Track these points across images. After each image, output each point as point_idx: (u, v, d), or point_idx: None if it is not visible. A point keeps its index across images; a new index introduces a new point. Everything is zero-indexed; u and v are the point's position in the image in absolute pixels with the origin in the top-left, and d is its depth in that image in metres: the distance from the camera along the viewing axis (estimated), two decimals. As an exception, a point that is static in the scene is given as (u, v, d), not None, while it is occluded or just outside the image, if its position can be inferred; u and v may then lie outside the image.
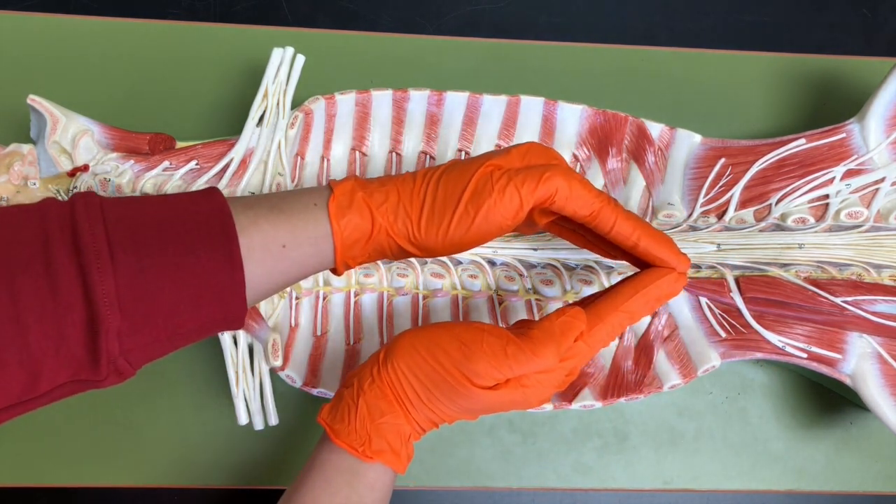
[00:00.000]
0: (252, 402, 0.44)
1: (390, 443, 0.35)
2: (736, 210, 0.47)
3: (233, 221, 0.33)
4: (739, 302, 0.46)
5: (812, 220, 0.46)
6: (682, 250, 0.47)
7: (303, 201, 0.35)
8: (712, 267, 0.47)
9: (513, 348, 0.35)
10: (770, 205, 0.47)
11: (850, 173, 0.46)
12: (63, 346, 0.29)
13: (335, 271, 0.37)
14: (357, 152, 0.49)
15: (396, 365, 0.35)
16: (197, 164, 0.46)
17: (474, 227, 0.35)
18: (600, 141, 0.48)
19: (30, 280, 0.29)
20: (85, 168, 0.46)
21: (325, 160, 0.49)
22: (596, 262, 0.48)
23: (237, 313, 0.33)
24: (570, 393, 0.46)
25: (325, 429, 0.36)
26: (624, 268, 0.47)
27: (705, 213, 0.48)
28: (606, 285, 0.47)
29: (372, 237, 0.36)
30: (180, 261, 0.31)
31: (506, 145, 0.48)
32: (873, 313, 0.44)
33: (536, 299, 0.48)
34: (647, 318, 0.47)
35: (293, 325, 0.47)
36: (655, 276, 0.37)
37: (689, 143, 0.48)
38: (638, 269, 0.39)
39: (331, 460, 0.36)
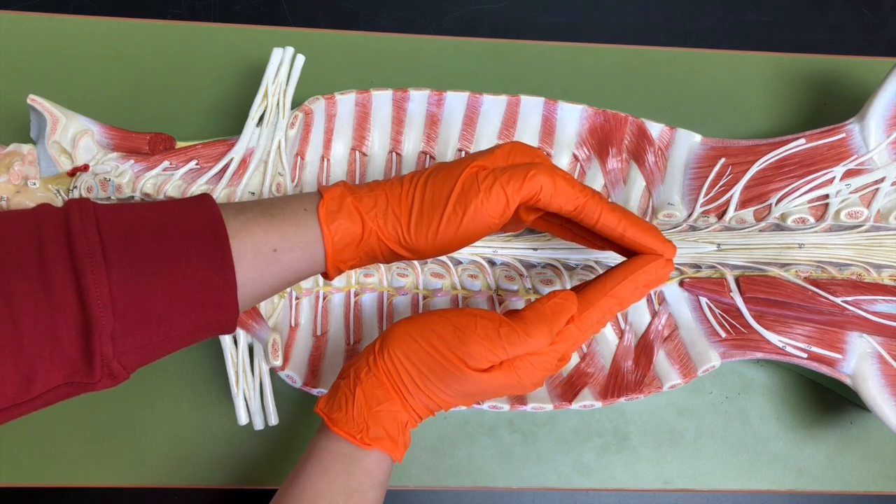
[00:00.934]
0: (252, 402, 0.44)
1: (388, 430, 0.36)
2: (736, 210, 0.47)
3: (224, 226, 0.33)
4: (739, 302, 0.46)
5: (812, 219, 0.46)
6: (682, 250, 0.47)
7: (293, 206, 0.36)
8: (712, 267, 0.47)
9: (506, 330, 0.35)
10: (770, 205, 0.47)
11: (850, 173, 0.46)
12: (57, 348, 0.29)
13: (326, 276, 0.38)
14: (357, 152, 0.49)
15: (392, 353, 0.36)
16: (197, 164, 0.46)
17: (462, 227, 0.36)
18: (600, 141, 0.48)
19: (24, 283, 0.29)
20: (85, 168, 0.46)
21: (325, 160, 0.49)
22: (596, 261, 0.48)
23: (229, 317, 0.33)
24: (570, 393, 0.46)
25: (323, 418, 0.37)
26: (624, 268, 0.48)
27: (705, 213, 0.48)
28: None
29: (362, 241, 0.36)
30: (173, 264, 0.31)
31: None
32: (873, 313, 0.44)
33: (536, 299, 0.48)
34: (648, 318, 0.47)
35: (293, 325, 0.47)
36: (644, 263, 0.38)
37: (689, 143, 0.48)
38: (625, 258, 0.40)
39: (328, 448, 0.36)
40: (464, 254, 0.48)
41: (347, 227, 0.36)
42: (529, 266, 0.48)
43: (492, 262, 0.48)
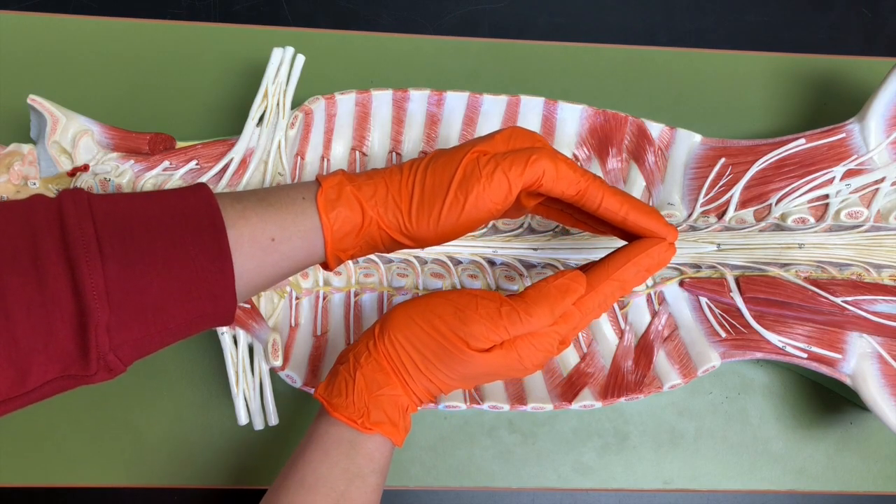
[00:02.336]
0: (252, 402, 0.44)
1: (388, 414, 0.36)
2: (736, 210, 0.47)
3: (221, 215, 0.33)
4: (739, 302, 0.46)
5: (812, 219, 0.46)
6: (682, 250, 0.47)
7: (291, 195, 0.36)
8: (712, 267, 0.47)
9: (507, 309, 0.35)
10: (770, 205, 0.47)
11: (850, 173, 0.46)
12: (52, 341, 0.29)
13: (326, 266, 0.37)
14: (357, 152, 0.49)
15: (393, 336, 0.36)
16: (197, 164, 0.46)
17: (465, 213, 0.35)
18: (600, 141, 0.48)
19: (17, 275, 0.29)
20: (85, 168, 0.46)
21: (325, 160, 0.49)
22: (596, 262, 0.48)
23: (227, 307, 0.33)
24: (570, 393, 0.46)
25: (323, 403, 0.37)
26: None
27: (705, 213, 0.48)
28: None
29: (362, 229, 0.36)
30: (169, 255, 0.31)
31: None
32: (873, 313, 0.44)
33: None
34: (648, 318, 0.47)
35: (293, 325, 0.47)
36: (646, 246, 0.38)
37: (689, 142, 0.48)
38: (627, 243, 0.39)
39: (329, 433, 0.36)
40: (464, 254, 0.48)
41: (347, 216, 0.35)
42: (529, 266, 0.48)
43: (492, 262, 0.48)
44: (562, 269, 0.48)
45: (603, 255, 0.47)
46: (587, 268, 0.39)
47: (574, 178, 0.36)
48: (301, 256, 0.36)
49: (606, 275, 0.37)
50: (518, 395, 0.45)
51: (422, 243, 0.37)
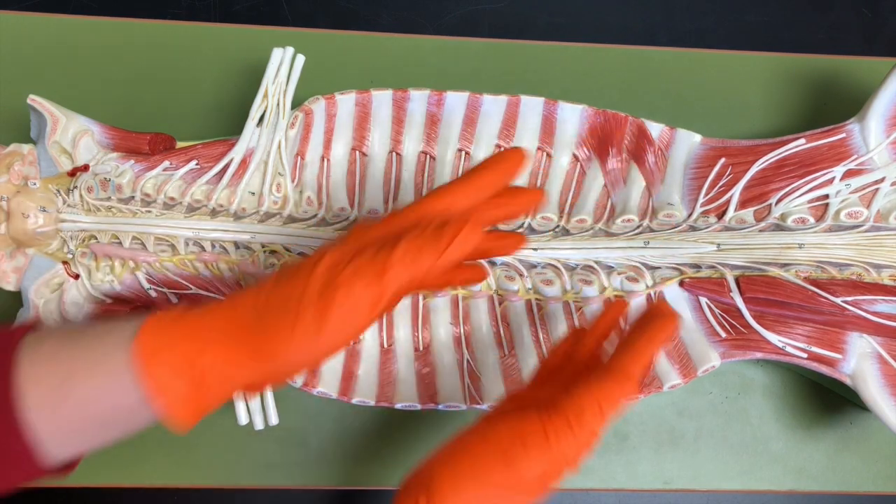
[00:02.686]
0: (252, 401, 0.44)
1: None
2: (736, 210, 0.47)
3: (10, 366, 0.30)
4: (739, 302, 0.46)
5: (812, 220, 0.46)
6: (682, 250, 0.47)
7: (103, 336, 0.31)
8: (712, 267, 0.47)
9: (554, 435, 0.32)
10: (770, 205, 0.47)
11: (850, 173, 0.46)
12: None
13: (175, 424, 0.31)
14: (357, 152, 0.49)
15: None
16: (197, 164, 0.46)
17: (332, 332, 0.30)
18: (600, 141, 0.48)
19: None
20: (85, 168, 0.46)
21: (325, 160, 0.49)
22: (596, 261, 0.48)
23: (19, 457, 0.30)
24: (570, 393, 0.46)
25: None
26: (623, 268, 0.47)
27: (705, 213, 0.48)
28: (606, 285, 0.47)
29: (201, 379, 0.30)
30: None
31: (506, 146, 0.48)
32: (873, 313, 0.44)
33: (536, 299, 0.48)
34: (647, 318, 0.47)
35: (293, 325, 0.47)
36: (661, 328, 0.36)
37: (689, 143, 0.48)
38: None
39: None
40: (464, 254, 0.48)
41: (174, 364, 0.30)
42: (529, 266, 0.48)
43: (492, 262, 0.48)
44: (562, 269, 0.47)
45: (603, 254, 0.48)
46: (619, 357, 0.36)
47: (457, 237, 0.32)
48: (112, 406, 0.30)
49: (643, 364, 0.35)
50: (518, 395, 0.46)
51: (290, 375, 0.32)
